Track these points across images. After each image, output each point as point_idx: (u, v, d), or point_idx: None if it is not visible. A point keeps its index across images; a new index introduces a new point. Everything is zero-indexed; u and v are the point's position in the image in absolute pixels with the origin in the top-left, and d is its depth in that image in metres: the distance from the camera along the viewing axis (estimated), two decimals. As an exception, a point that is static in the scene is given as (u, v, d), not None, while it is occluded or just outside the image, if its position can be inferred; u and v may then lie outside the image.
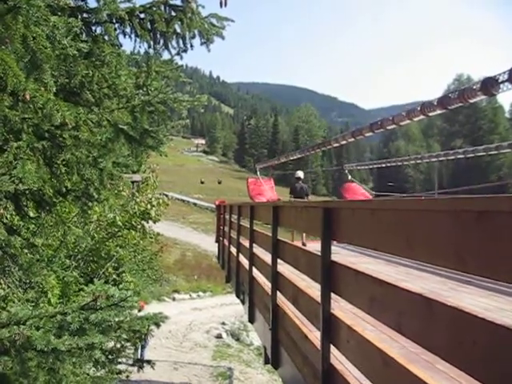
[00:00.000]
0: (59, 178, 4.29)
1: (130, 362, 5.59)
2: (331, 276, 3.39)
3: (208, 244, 36.75)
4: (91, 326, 4.03)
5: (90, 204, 4.85)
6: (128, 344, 5.12)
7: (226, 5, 4.82)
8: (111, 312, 4.17)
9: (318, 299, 3.61)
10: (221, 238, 15.59)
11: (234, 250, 10.75)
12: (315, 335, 3.95)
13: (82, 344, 3.89)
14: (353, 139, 6.35)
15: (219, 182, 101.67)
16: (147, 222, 15.49)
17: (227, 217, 13.08)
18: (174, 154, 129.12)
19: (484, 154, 8.91)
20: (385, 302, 2.56)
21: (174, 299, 27.24)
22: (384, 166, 15.79)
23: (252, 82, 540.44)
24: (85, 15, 4.64)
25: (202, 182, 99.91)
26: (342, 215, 3.28)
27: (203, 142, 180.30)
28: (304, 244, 11.51)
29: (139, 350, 14.80)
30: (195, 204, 72.44)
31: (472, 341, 1.76)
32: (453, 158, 10.28)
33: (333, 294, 3.40)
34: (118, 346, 4.90)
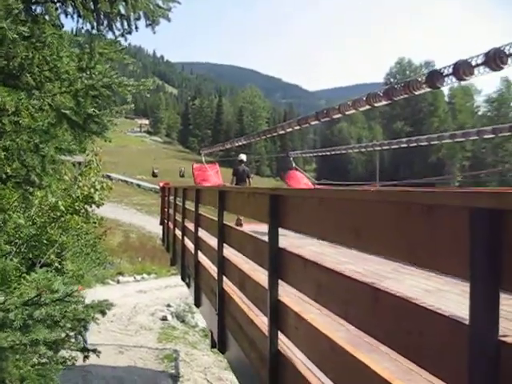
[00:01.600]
0: (-2, 165, 4.13)
1: (75, 349, 5.50)
2: (279, 263, 3.40)
3: (152, 226, 36.43)
4: (35, 322, 3.93)
5: (31, 190, 4.71)
6: (72, 333, 5.03)
7: None
8: (56, 307, 4.08)
9: (265, 284, 3.62)
10: (165, 221, 15.48)
11: (178, 233, 10.68)
12: (262, 320, 3.96)
13: (25, 340, 3.79)
14: (298, 127, 6.36)
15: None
16: (90, 207, 15.22)
17: (172, 199, 12.98)
18: (117, 134, 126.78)
19: (426, 143, 9.01)
20: (332, 290, 2.58)
21: (118, 282, 26.90)
22: (328, 153, 15.96)
23: (196, 61, 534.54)
24: (24, -7, 4.45)
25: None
26: (290, 203, 3.28)
27: (147, 122, 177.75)
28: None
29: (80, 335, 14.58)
30: (139, 185, 71.69)
31: (418, 332, 1.79)
32: (396, 147, 10.34)
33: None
34: (63, 335, 4.80)
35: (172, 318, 21.34)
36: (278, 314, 3.42)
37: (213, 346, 6.81)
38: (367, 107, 4.21)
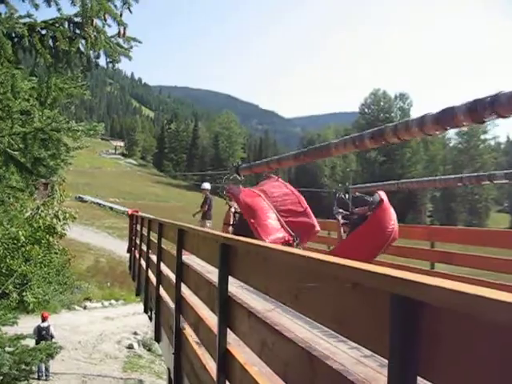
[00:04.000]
0: None
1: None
2: (227, 311, 3.35)
3: (123, 250, 36.10)
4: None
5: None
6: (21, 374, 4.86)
7: (124, 35, 4.71)
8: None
9: (216, 330, 3.56)
10: (133, 249, 15.32)
11: (143, 263, 10.55)
12: (212, 366, 3.89)
13: None
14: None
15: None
16: (53, 237, 15.02)
17: (139, 228, 12.84)
18: (92, 156, 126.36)
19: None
20: (274, 349, 2.53)
21: (85, 307, 26.51)
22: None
23: (174, 85, 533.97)
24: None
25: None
26: (239, 253, 3.24)
27: (122, 144, 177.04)
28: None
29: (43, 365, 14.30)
30: (111, 208, 70.88)
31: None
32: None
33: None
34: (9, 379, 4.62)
35: (138, 346, 21.04)
36: (225, 363, 3.36)
37: (169, 385, 6.69)
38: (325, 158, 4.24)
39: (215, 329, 3.60)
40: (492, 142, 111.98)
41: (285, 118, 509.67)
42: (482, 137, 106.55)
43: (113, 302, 28.40)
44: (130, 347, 20.69)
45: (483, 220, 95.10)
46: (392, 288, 1.41)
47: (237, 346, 3.40)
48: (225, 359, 3.37)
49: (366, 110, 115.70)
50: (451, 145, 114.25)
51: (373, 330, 1.60)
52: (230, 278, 3.41)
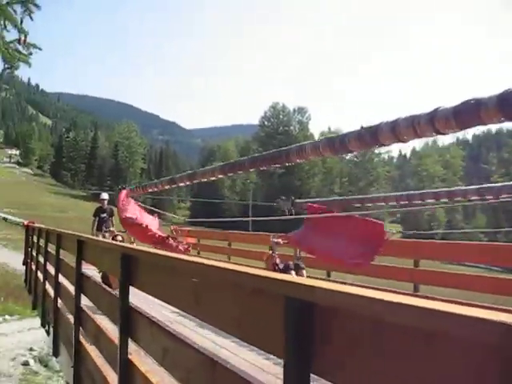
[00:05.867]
0: None
1: None
2: (129, 322, 3.36)
3: (18, 263, 34.61)
4: None
5: None
6: None
7: (25, 43, 4.63)
8: None
9: (117, 341, 3.54)
10: (29, 261, 14.78)
11: (40, 276, 10.24)
12: (114, 377, 3.86)
13: None
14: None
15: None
16: None
17: (35, 240, 12.42)
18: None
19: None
20: (176, 357, 2.58)
21: (-25, 324, 25.15)
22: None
23: (74, 93, 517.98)
24: None
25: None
26: (140, 263, 3.26)
27: (17, 152, 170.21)
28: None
29: None
30: (5, 219, 67.72)
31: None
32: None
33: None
34: None
35: (35, 362, 20.18)
36: (128, 373, 3.36)
37: (69, 401, 6.50)
38: (240, 172, 4.27)
39: (116, 339, 3.59)
40: (386, 156, 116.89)
41: (186, 129, 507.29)
42: (377, 151, 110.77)
43: (7, 317, 27.07)
44: (26, 364, 19.79)
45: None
46: (286, 291, 1.51)
47: (138, 356, 3.41)
48: (126, 369, 3.37)
49: (266, 123, 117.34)
50: (348, 158, 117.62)
51: (269, 332, 1.69)
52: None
